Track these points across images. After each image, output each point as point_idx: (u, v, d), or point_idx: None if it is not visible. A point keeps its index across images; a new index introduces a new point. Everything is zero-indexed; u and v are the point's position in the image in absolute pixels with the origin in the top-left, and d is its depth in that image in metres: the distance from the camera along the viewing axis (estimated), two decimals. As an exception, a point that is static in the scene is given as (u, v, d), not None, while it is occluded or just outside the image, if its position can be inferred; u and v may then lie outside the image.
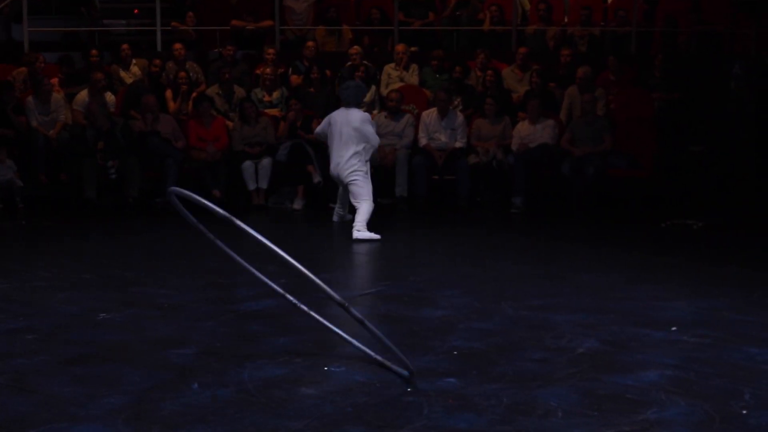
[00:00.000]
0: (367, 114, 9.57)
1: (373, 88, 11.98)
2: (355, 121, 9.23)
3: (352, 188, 9.15)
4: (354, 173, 9.15)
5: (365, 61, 12.26)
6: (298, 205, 10.85)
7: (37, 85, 11.17)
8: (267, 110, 11.64)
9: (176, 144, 10.87)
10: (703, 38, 13.26)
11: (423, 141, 11.18)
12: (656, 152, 11.08)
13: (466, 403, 4.43)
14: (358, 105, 9.43)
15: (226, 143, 11.11)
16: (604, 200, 10.92)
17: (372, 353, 4.95)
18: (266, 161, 10.94)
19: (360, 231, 8.88)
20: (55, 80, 11.82)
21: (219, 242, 5.14)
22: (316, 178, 10.70)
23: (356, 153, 9.18)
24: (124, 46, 12.57)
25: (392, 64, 12.54)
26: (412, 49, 12.93)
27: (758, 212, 10.31)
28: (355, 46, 12.69)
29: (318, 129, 9.63)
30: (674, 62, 12.13)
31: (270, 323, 5.89)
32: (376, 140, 9.43)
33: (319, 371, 4.93)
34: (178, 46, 12.27)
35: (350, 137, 9.20)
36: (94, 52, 12.32)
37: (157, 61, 12.17)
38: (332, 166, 9.36)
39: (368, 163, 9.31)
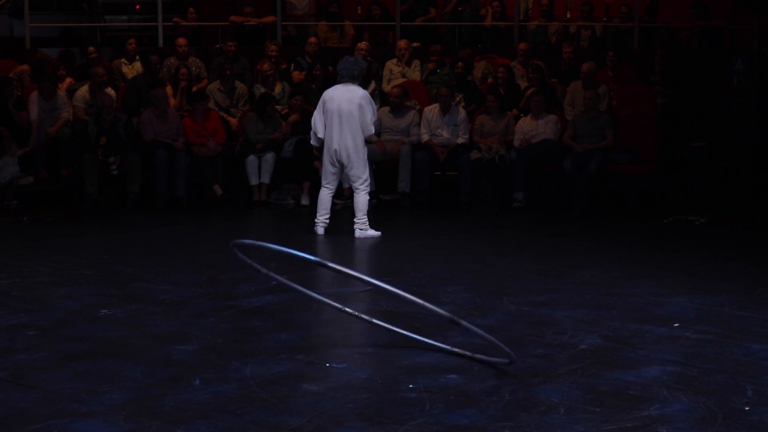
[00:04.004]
0: (367, 93, 9.07)
1: (373, 83, 11.95)
2: (356, 98, 8.78)
3: (352, 172, 8.86)
4: (356, 155, 8.80)
5: (368, 57, 12.23)
6: (304, 200, 10.80)
7: (43, 81, 11.11)
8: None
9: (175, 144, 10.77)
10: (705, 34, 13.23)
11: (425, 137, 11.16)
12: (658, 148, 11.07)
13: (467, 399, 4.43)
14: (355, 80, 8.93)
15: (224, 137, 11.09)
16: (606, 196, 10.91)
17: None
18: (270, 156, 10.90)
19: (363, 230, 8.84)
20: (67, 80, 11.83)
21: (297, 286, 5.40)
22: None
23: (359, 133, 8.78)
24: (131, 40, 12.55)
25: (394, 60, 12.53)
26: (415, 44, 12.91)
27: (760, 208, 10.30)
28: (364, 42, 12.66)
29: (314, 126, 8.93)
30: (675, 58, 12.12)
31: (271, 319, 5.89)
32: (370, 130, 8.96)
33: (321, 367, 4.93)
34: (181, 41, 12.24)
35: (351, 115, 8.76)
36: (91, 48, 12.28)
37: (155, 57, 12.12)
38: (334, 145, 8.77)
39: (365, 148, 9.03)
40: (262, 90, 11.69)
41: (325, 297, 5.84)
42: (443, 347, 5.18)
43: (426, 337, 5.37)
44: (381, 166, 11.03)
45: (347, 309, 5.67)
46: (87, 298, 6.37)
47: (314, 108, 9.17)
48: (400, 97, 11.24)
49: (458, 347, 5.24)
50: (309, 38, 12.73)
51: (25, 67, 12.03)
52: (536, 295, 6.54)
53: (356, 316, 5.56)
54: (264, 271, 5.57)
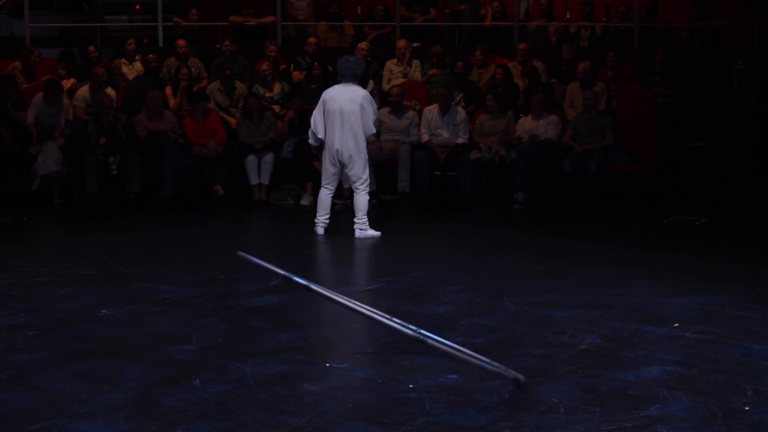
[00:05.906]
0: (368, 93, 9.07)
1: (372, 83, 11.94)
2: (358, 97, 8.78)
3: (353, 172, 8.85)
4: (358, 155, 8.81)
5: (368, 57, 12.23)
6: (306, 201, 10.79)
7: (48, 88, 11.06)
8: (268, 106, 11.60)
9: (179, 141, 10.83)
10: (705, 34, 13.22)
11: (425, 137, 11.16)
12: (658, 148, 11.06)
13: (467, 399, 4.43)
14: (357, 79, 8.93)
15: (224, 137, 11.09)
16: (606, 196, 10.90)
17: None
18: (269, 157, 10.91)
19: (363, 230, 8.83)
20: (68, 81, 11.81)
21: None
22: None
23: (361, 133, 8.79)
24: (130, 40, 12.54)
25: (394, 60, 12.52)
26: (415, 44, 12.90)
27: (760, 208, 10.29)
28: (364, 42, 12.66)
29: (313, 126, 8.91)
30: (675, 58, 12.11)
31: (271, 319, 5.89)
32: (372, 130, 8.96)
33: (321, 367, 4.93)
34: (181, 42, 12.23)
35: (354, 115, 8.76)
36: (91, 48, 12.28)
37: (153, 56, 12.10)
38: (336, 145, 8.76)
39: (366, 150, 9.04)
40: (262, 90, 11.70)
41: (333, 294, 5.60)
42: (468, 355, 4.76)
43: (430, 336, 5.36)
44: (381, 166, 11.02)
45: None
46: (87, 298, 6.37)
47: (313, 107, 9.15)
48: (400, 96, 11.24)
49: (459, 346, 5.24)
50: (309, 38, 12.73)
51: (17, 63, 12.00)
52: (536, 295, 6.53)
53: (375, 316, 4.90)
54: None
